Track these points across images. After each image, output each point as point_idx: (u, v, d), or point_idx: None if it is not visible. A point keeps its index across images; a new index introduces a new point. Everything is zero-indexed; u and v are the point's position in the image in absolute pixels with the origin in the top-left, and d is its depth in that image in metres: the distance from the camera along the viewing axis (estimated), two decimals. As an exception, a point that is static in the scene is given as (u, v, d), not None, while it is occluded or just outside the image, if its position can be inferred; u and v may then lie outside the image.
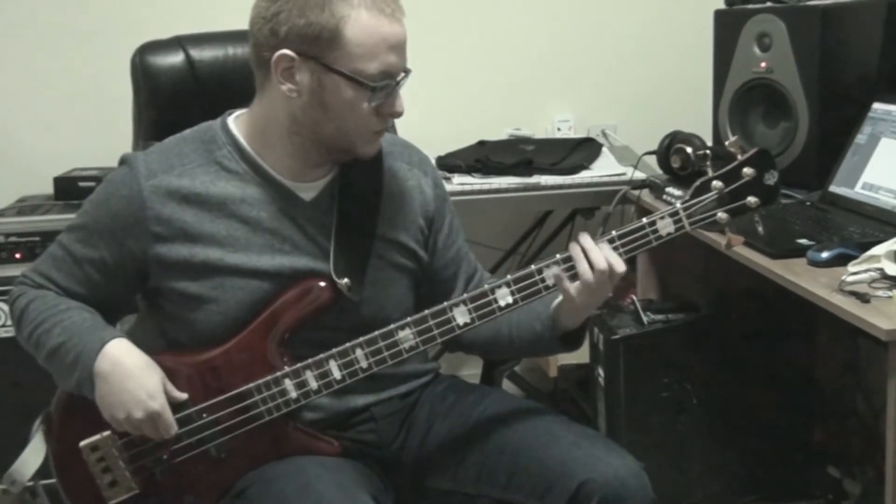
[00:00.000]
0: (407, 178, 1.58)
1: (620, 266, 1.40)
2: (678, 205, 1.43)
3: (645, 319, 2.24)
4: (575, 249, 1.40)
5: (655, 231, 1.42)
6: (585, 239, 1.41)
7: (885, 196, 1.97)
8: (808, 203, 2.14)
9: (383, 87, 1.39)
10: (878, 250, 1.65)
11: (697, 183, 1.44)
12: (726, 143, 1.47)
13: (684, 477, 2.28)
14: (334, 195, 1.50)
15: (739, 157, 1.43)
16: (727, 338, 2.28)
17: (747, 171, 1.42)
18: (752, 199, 1.42)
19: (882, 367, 1.51)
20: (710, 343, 2.27)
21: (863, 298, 1.56)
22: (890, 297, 1.56)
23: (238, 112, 1.51)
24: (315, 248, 1.48)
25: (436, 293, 1.57)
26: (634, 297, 2.38)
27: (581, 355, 2.46)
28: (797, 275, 1.72)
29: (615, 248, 1.42)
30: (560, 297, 1.47)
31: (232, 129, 1.49)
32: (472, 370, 2.71)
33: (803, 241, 1.83)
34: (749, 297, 2.29)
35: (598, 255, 1.39)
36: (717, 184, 1.42)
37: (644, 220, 1.43)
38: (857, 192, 2.04)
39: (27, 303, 1.50)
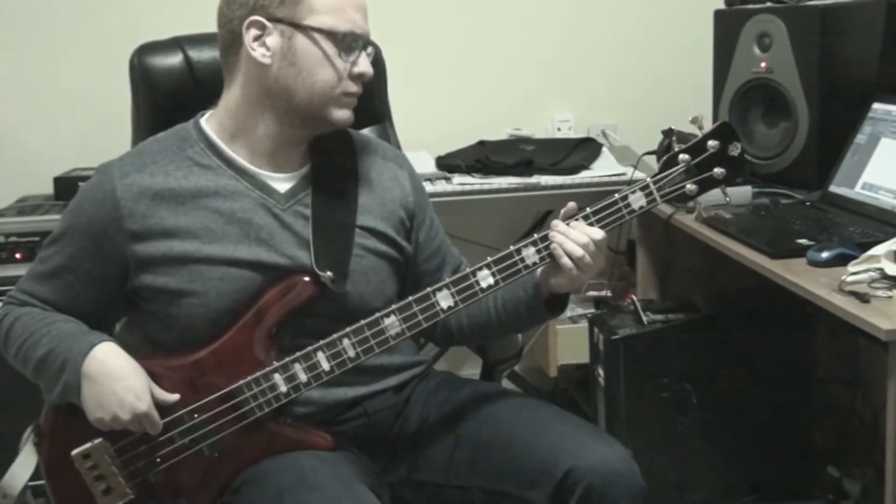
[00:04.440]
0: (382, 171, 1.61)
1: (598, 234, 1.45)
2: (648, 178, 1.47)
3: (645, 319, 2.24)
4: (555, 235, 1.46)
5: (628, 205, 1.47)
6: (559, 224, 1.47)
7: (885, 196, 1.97)
8: (808, 203, 2.14)
9: (352, 43, 1.44)
10: (878, 250, 1.65)
11: (665, 157, 1.49)
12: (689, 119, 1.51)
13: (684, 477, 2.28)
14: (309, 186, 1.52)
15: (700, 131, 1.47)
16: (727, 338, 2.28)
17: (711, 143, 1.47)
18: (718, 171, 1.47)
19: (882, 367, 1.51)
20: (710, 343, 2.27)
21: (863, 298, 1.56)
22: (890, 297, 1.55)
23: (210, 111, 1.54)
24: (292, 238, 1.49)
25: (424, 286, 1.57)
26: (634, 297, 2.38)
27: (581, 355, 2.47)
28: (797, 275, 1.72)
29: (590, 224, 1.47)
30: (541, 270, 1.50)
31: (203, 126, 1.51)
32: (471, 370, 2.71)
33: (803, 241, 1.83)
34: (749, 297, 2.29)
35: (577, 233, 1.45)
36: (683, 157, 1.47)
37: (616, 195, 1.47)
38: (857, 192, 2.04)
39: (13, 321, 1.51)
